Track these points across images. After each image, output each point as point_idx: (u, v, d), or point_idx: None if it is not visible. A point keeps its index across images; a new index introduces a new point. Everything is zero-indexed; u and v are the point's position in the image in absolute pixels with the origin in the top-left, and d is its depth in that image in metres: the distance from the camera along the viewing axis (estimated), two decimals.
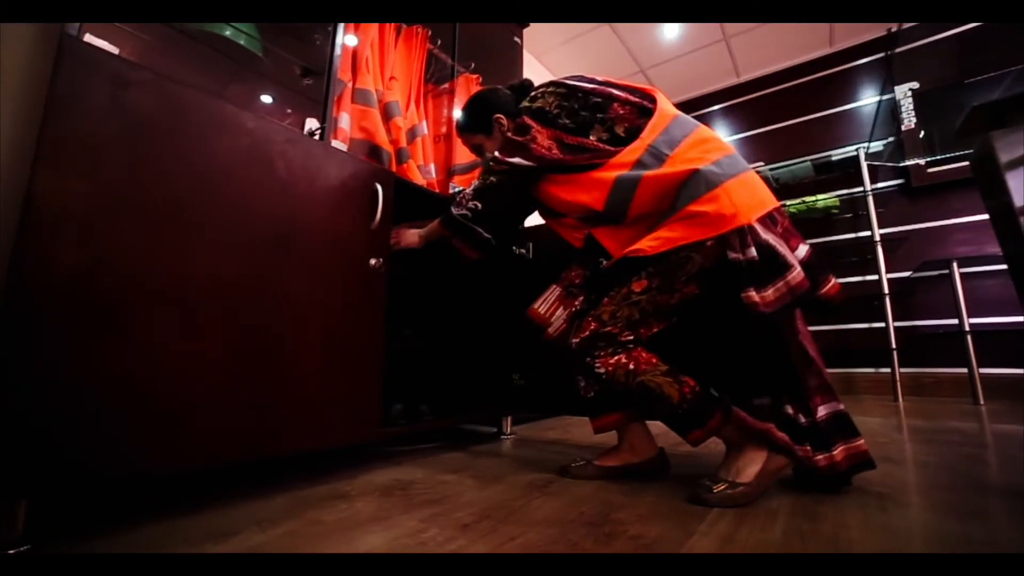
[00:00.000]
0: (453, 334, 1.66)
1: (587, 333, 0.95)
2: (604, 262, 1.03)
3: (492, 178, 1.07)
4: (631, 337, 0.93)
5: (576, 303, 1.07)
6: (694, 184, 0.90)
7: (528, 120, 1.05)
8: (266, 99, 1.59)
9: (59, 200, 0.68)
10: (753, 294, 0.86)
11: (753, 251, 0.87)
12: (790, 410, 0.92)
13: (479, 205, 1.09)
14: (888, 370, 2.74)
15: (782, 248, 0.89)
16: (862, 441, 0.92)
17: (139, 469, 0.73)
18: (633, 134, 0.98)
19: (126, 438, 0.71)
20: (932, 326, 2.82)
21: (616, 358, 0.93)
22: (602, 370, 0.93)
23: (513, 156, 1.04)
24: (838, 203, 3.18)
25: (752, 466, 0.87)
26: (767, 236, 0.89)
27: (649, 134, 0.96)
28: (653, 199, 0.94)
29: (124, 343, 0.72)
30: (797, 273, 0.88)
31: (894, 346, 2.72)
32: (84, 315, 0.69)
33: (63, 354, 0.66)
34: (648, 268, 0.93)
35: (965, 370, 2.47)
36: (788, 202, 3.21)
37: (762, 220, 0.90)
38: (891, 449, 1.34)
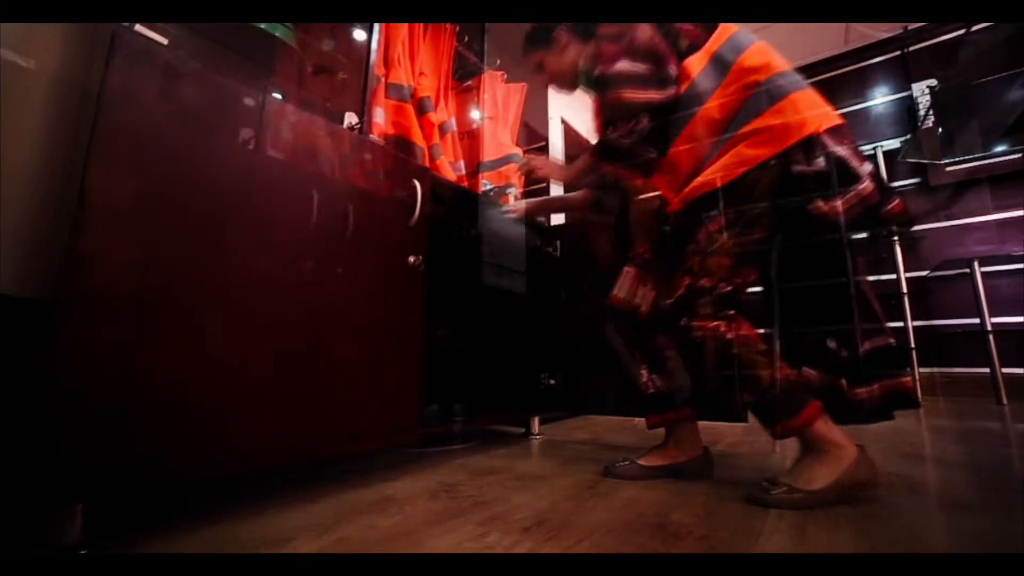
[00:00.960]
0: (483, 334, 1.64)
1: (682, 290, 0.91)
2: (667, 228, 1.00)
3: (638, 94, 0.93)
4: (728, 289, 0.90)
5: (658, 275, 1.03)
6: (755, 101, 0.88)
7: (612, 27, 0.98)
8: (276, 96, 1.56)
9: (112, 196, 0.66)
10: (821, 205, 0.84)
11: (821, 161, 0.84)
12: (832, 344, 0.91)
13: (646, 123, 0.94)
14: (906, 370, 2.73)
15: (854, 160, 0.86)
16: (908, 379, 0.91)
17: (187, 472, 0.71)
18: (695, 49, 0.94)
19: (174, 440, 0.69)
20: (950, 325, 2.81)
21: (716, 323, 0.89)
22: (700, 332, 0.89)
23: (616, 63, 0.94)
24: None
25: (825, 478, 0.81)
26: (837, 147, 0.86)
27: (713, 43, 0.93)
28: (710, 123, 0.90)
29: (174, 344, 0.70)
30: (867, 184, 0.86)
31: (912, 345, 2.70)
32: (138, 315, 0.67)
33: (116, 356, 0.64)
34: (718, 205, 0.89)
35: (984, 370, 2.45)
36: None
37: (830, 131, 0.86)
38: (925, 449, 1.32)
